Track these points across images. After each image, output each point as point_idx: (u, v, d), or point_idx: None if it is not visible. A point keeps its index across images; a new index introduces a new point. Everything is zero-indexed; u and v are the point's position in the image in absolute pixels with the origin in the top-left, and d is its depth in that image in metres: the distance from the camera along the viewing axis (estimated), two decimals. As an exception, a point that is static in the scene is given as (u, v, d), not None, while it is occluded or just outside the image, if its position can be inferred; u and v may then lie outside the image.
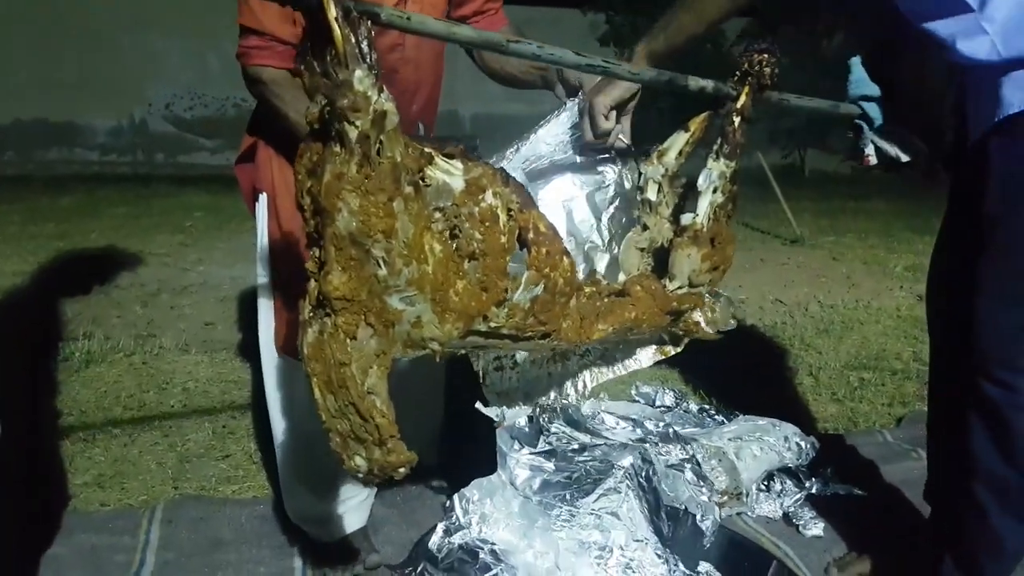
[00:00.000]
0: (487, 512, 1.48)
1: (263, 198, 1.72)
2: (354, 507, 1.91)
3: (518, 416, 1.65)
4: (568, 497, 1.59)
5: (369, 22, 0.87)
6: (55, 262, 4.51)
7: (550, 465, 1.63)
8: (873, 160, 1.63)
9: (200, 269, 4.81)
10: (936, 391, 1.84)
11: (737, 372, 3.04)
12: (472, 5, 1.83)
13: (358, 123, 0.85)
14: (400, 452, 0.93)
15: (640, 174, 1.43)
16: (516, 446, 1.62)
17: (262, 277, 1.78)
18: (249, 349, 3.46)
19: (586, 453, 1.67)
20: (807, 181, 10.51)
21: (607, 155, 1.65)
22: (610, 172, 1.68)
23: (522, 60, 1.68)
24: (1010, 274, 1.45)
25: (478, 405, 1.63)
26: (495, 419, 1.65)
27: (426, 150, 0.94)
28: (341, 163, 0.86)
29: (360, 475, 0.95)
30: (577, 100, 1.65)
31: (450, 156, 0.97)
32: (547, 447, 1.66)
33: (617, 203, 1.70)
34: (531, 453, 1.63)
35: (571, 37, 11.10)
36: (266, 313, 1.78)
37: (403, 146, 0.90)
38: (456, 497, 1.48)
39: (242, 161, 1.79)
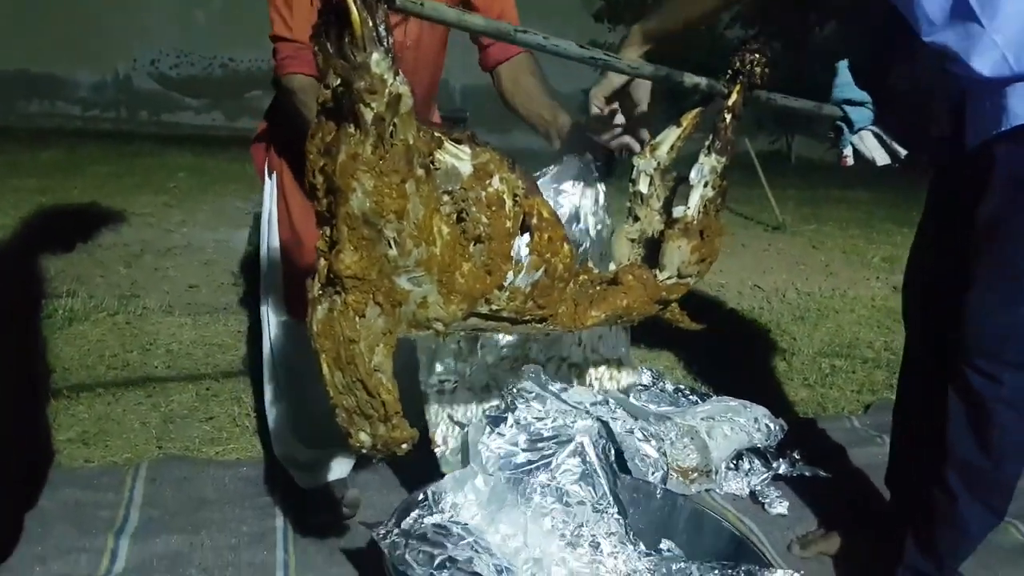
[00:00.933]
0: (459, 502, 1.53)
1: (274, 177, 1.82)
2: (340, 457, 2.00)
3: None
4: (534, 471, 1.65)
5: (385, 6, 0.89)
6: (37, 217, 4.47)
7: (516, 447, 1.68)
8: (850, 161, 1.69)
9: (184, 231, 4.80)
10: (909, 381, 1.89)
11: (714, 354, 3.11)
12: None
13: (374, 105, 0.87)
14: (404, 428, 0.96)
15: (633, 167, 1.47)
16: (487, 431, 1.67)
17: (264, 246, 1.88)
18: (233, 313, 3.49)
19: (549, 428, 1.73)
20: (792, 168, 10.59)
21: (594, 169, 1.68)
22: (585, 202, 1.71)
23: (530, 106, 1.81)
24: (1006, 274, 1.50)
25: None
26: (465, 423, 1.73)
27: (436, 134, 0.97)
28: (356, 144, 0.88)
29: (364, 450, 0.98)
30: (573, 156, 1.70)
31: (459, 141, 1.00)
32: (515, 426, 1.71)
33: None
34: (499, 435, 1.68)
35: (565, 12, 11.09)
36: (270, 278, 1.89)
37: (415, 129, 0.93)
38: (429, 491, 1.53)
39: (258, 141, 1.89)
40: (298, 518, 1.98)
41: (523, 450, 1.67)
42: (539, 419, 1.74)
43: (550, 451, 1.68)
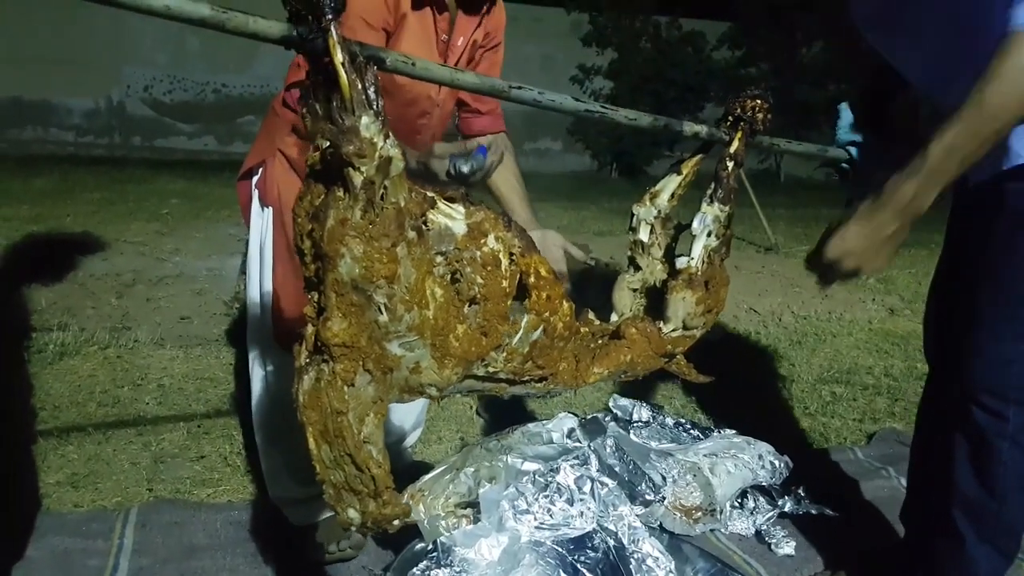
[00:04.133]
0: (469, 558, 1.50)
1: (267, 212, 1.81)
2: None
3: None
4: (542, 525, 1.63)
5: (375, 67, 0.87)
6: (29, 247, 4.45)
7: (523, 502, 1.65)
8: None
9: (176, 260, 4.76)
10: (925, 416, 1.87)
11: (713, 383, 3.07)
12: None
13: (363, 169, 0.85)
14: (396, 504, 0.92)
15: (632, 215, 1.44)
16: (503, 487, 1.64)
17: (255, 282, 1.86)
18: (225, 345, 3.45)
19: (555, 482, 1.70)
20: (782, 187, 10.63)
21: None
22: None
23: (511, 196, 1.90)
24: (1009, 310, 1.49)
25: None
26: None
27: (429, 194, 0.94)
28: (345, 208, 0.86)
29: (354, 527, 0.95)
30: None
31: (452, 200, 0.97)
32: (524, 477, 1.68)
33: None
34: (509, 488, 1.65)
35: (553, 36, 11.14)
36: (256, 311, 1.87)
37: (407, 191, 0.90)
38: (440, 543, 1.50)
39: (244, 178, 1.89)
40: (292, 563, 1.93)
41: (529, 501, 1.65)
42: (542, 463, 1.72)
43: (560, 508, 1.66)
